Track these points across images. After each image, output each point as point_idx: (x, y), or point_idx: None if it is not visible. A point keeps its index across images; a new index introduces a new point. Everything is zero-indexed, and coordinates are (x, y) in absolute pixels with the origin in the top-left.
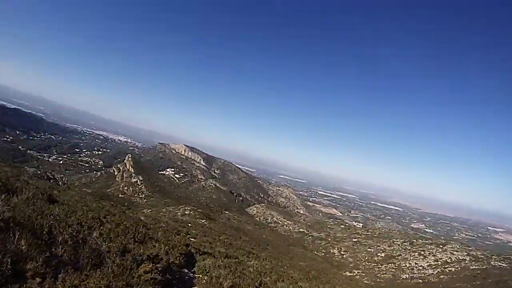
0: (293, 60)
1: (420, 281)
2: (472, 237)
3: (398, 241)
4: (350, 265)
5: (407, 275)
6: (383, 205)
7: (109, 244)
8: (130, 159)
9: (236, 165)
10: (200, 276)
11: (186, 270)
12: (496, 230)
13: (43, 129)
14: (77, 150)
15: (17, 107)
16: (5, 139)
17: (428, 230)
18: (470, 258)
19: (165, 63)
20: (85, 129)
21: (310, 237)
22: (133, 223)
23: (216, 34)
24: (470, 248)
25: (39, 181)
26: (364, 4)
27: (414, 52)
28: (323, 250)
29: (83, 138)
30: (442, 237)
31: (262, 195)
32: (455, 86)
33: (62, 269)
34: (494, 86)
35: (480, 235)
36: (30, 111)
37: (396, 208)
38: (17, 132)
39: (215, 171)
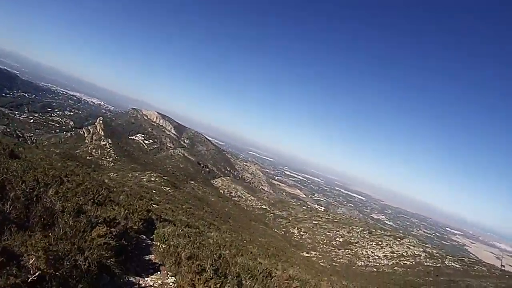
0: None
1: (375, 270)
2: (429, 235)
3: (357, 229)
4: (308, 246)
5: (363, 263)
6: (347, 192)
7: (63, 204)
8: (101, 122)
9: (206, 137)
10: (158, 244)
11: (144, 237)
12: (454, 232)
13: (16, 87)
14: (49, 109)
15: None
16: None
17: (388, 222)
18: (425, 255)
19: (146, 30)
20: (59, 89)
21: (272, 214)
22: (95, 184)
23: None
24: (426, 245)
25: (6, 137)
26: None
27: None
28: (283, 229)
29: (56, 98)
30: (401, 231)
31: (228, 169)
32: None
33: (7, 226)
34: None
35: (437, 234)
36: (5, 67)
37: (360, 197)
38: None
39: (185, 140)
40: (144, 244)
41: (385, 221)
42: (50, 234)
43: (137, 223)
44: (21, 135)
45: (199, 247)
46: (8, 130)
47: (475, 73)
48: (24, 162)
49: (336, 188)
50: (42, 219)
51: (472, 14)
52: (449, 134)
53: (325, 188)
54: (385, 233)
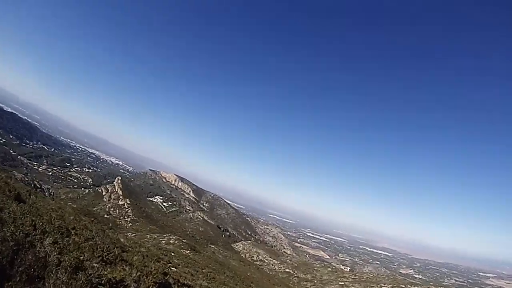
0: (297, 92)
1: None
2: (462, 283)
3: (386, 286)
4: None
5: None
6: (371, 249)
7: (61, 257)
8: (119, 181)
9: (226, 200)
10: None
11: None
12: (487, 276)
13: (36, 138)
14: (68, 164)
15: (14, 112)
16: None
17: (417, 276)
18: None
19: (165, 93)
20: (78, 145)
21: (296, 278)
22: (108, 242)
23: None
24: None
25: (20, 184)
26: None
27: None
28: None
29: (75, 153)
30: (431, 283)
31: (249, 232)
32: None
33: None
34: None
35: (470, 281)
36: (25, 117)
37: (385, 253)
38: (11, 136)
39: (204, 204)
40: None
41: (414, 275)
42: None
43: (150, 287)
44: (39, 186)
45: None
46: (26, 179)
47: None
48: (27, 206)
49: (360, 246)
50: (31, 270)
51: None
52: (468, 178)
53: (349, 247)
54: (416, 287)
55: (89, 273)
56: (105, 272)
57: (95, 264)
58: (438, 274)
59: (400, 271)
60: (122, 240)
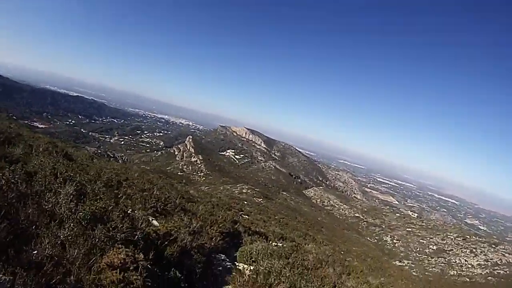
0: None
1: (467, 280)
2: None
3: (451, 235)
4: (401, 254)
5: (455, 272)
6: (440, 197)
7: (76, 206)
8: (191, 140)
9: (297, 148)
10: (243, 267)
11: (223, 256)
12: None
13: (105, 114)
14: (139, 132)
15: (80, 95)
16: (68, 122)
17: (482, 228)
18: None
19: (228, 50)
20: (146, 113)
21: (365, 222)
22: (172, 194)
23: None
24: None
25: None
26: None
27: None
28: (376, 237)
29: (144, 121)
30: (495, 237)
31: (321, 179)
32: None
33: None
34: None
35: None
36: (92, 98)
37: (453, 201)
38: (80, 117)
39: (275, 153)
40: (220, 267)
41: (479, 226)
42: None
43: (214, 239)
44: (112, 155)
45: (300, 273)
46: (99, 151)
47: None
48: (74, 163)
49: (429, 193)
50: (33, 217)
51: None
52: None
53: (418, 193)
54: (480, 239)
55: (113, 225)
56: (145, 224)
57: (139, 214)
58: (502, 228)
59: (466, 220)
60: (192, 192)
